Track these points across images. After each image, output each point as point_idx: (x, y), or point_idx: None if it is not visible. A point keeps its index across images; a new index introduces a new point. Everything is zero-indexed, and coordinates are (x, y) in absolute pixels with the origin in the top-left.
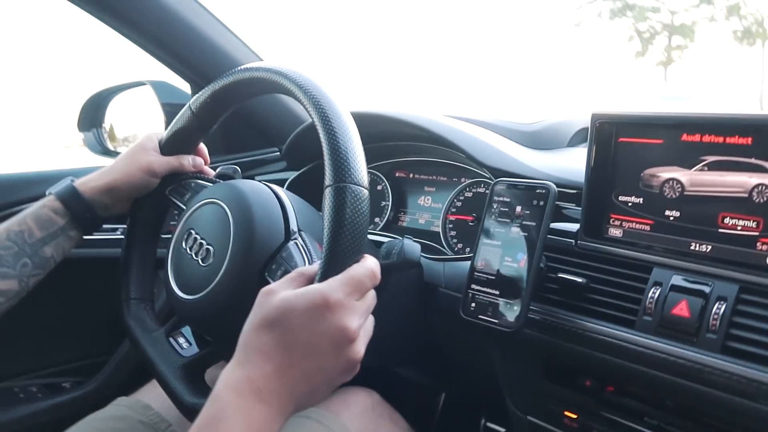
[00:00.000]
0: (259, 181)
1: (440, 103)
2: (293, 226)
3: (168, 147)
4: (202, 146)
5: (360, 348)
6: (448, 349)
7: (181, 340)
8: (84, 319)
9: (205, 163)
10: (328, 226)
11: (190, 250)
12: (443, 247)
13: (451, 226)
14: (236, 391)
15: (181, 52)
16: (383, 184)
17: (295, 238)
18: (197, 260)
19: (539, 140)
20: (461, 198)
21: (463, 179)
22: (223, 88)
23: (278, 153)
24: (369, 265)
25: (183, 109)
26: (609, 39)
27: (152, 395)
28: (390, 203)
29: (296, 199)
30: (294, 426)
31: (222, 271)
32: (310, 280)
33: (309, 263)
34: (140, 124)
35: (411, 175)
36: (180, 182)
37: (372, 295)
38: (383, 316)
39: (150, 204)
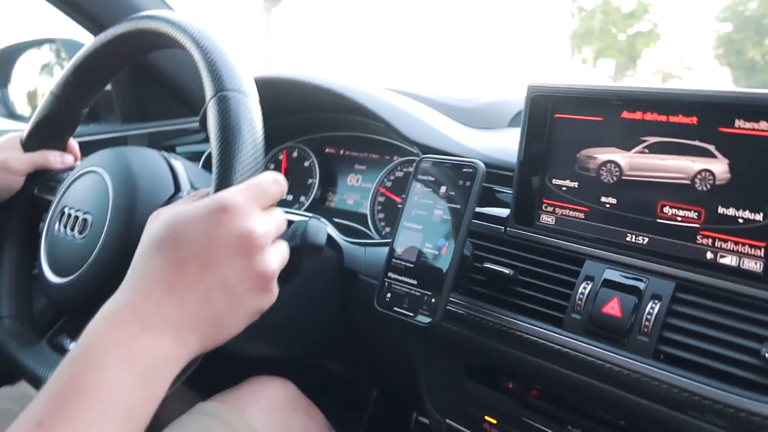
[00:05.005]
0: (179, 153)
1: (387, 77)
2: (184, 183)
3: (31, 142)
4: (72, 142)
5: (269, 260)
6: (370, 342)
7: (68, 340)
8: None
9: (76, 161)
10: (214, 140)
11: (64, 227)
12: (370, 230)
13: (379, 207)
14: (112, 321)
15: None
16: (311, 160)
17: (188, 191)
18: (73, 234)
19: (477, 118)
20: (391, 178)
21: (395, 157)
22: (86, 60)
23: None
24: (271, 173)
25: (46, 95)
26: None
27: None
28: (317, 181)
29: (193, 167)
30: (191, 425)
31: (101, 241)
32: (205, 196)
33: None
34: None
35: (341, 152)
36: (49, 180)
37: (280, 213)
38: (299, 304)
39: (16, 207)
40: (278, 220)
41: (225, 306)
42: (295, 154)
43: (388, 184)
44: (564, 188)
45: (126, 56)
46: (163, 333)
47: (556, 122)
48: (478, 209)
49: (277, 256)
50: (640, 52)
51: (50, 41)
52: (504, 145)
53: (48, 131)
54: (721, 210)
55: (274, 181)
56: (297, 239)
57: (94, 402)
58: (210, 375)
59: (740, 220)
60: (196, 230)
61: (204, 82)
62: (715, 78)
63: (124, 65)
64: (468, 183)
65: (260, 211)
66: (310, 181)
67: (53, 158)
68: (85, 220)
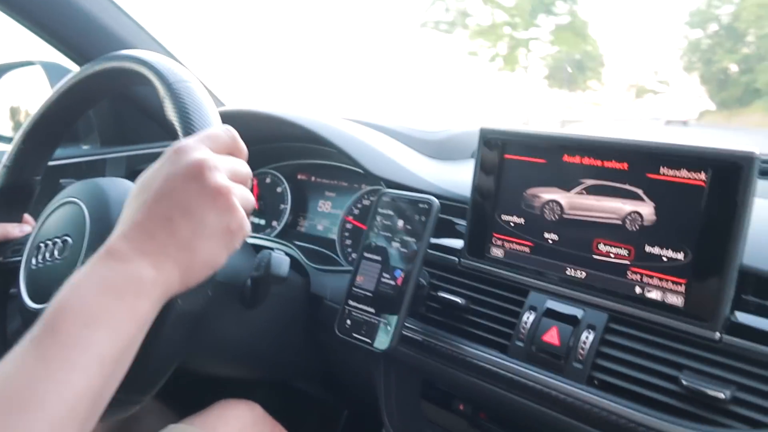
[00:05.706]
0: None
1: (351, 106)
2: None
3: None
4: (27, 216)
5: (220, 177)
6: (336, 363)
7: None
8: None
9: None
10: (176, 120)
11: (43, 259)
12: (338, 256)
13: (347, 234)
14: (90, 262)
15: (62, 31)
16: (283, 186)
17: None
18: (52, 260)
19: (442, 150)
20: (358, 206)
21: (362, 185)
22: (36, 125)
23: None
24: (222, 125)
25: None
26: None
27: None
28: (289, 207)
29: None
30: None
31: (81, 258)
32: None
33: None
34: (31, 108)
35: (312, 179)
36: (13, 246)
37: (240, 162)
38: (268, 327)
39: None
40: (233, 163)
41: (190, 229)
42: (268, 180)
43: (356, 212)
44: (512, 224)
45: (77, 110)
46: (136, 261)
47: (506, 162)
48: (435, 240)
49: (231, 183)
50: (570, 52)
51: (30, 64)
52: (462, 177)
53: (4, 205)
54: (648, 249)
55: (225, 130)
56: (261, 270)
57: (75, 316)
58: (184, 392)
59: (664, 259)
60: (155, 174)
61: (156, 88)
62: (688, 94)
63: (77, 119)
64: (424, 218)
65: (208, 148)
66: (282, 206)
67: (12, 229)
68: (64, 241)
